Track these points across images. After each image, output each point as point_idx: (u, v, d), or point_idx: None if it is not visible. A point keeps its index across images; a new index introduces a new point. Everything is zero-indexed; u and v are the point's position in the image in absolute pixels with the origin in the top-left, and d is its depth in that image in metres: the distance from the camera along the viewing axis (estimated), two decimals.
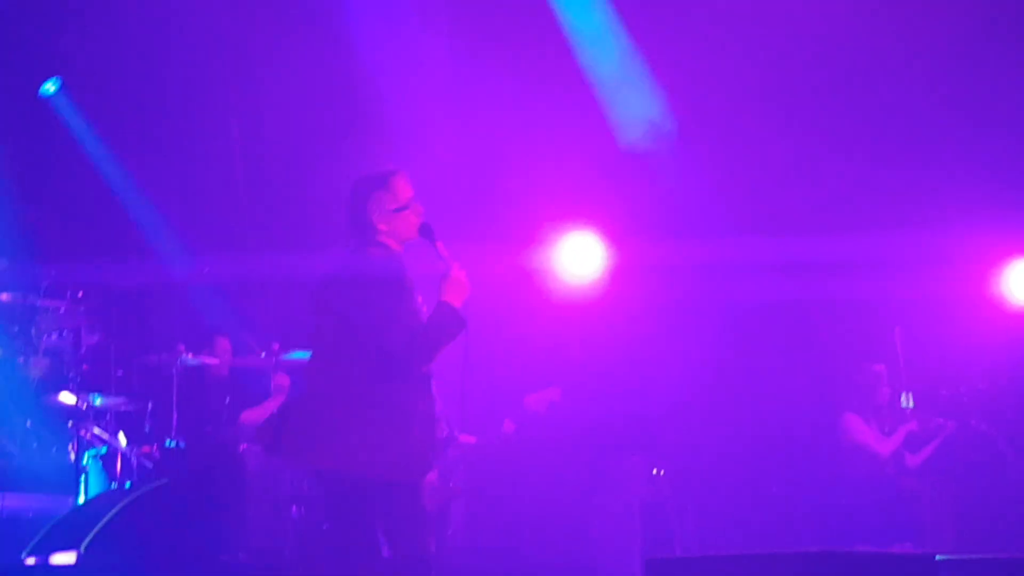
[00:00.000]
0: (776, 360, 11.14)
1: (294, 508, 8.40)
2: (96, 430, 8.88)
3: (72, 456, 8.75)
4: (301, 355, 8.84)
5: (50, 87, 10.94)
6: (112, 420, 9.14)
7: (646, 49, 10.78)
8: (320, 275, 6.05)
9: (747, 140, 10.79)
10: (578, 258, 10.93)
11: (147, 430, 9.12)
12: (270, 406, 8.84)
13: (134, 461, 8.75)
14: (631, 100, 10.84)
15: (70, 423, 8.83)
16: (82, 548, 7.43)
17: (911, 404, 10.06)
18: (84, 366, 9.10)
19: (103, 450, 8.93)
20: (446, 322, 5.86)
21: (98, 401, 9.04)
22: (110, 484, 8.81)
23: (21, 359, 9.23)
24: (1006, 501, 10.48)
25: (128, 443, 8.90)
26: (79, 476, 8.71)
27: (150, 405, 9.16)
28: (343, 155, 9.68)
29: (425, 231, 6.08)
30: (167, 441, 8.81)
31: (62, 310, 9.21)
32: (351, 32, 10.82)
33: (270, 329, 9.78)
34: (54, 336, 9.25)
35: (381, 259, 5.95)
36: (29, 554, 7.62)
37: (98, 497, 8.45)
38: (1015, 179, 10.77)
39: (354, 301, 5.85)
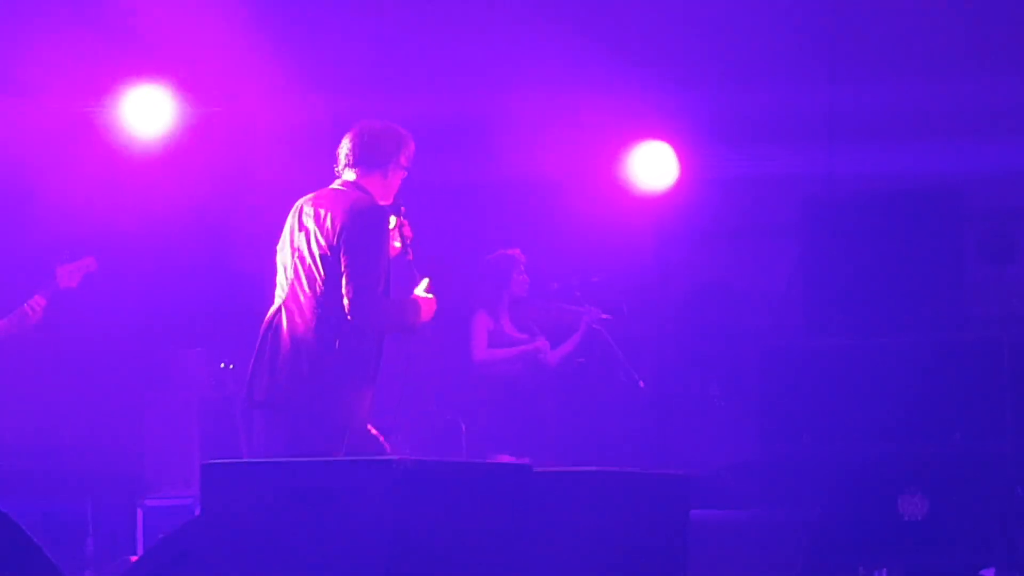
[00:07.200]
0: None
1: None
2: None
3: None
4: None
5: None
6: None
7: None
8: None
9: None
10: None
11: None
12: None
13: None
14: None
15: None
16: None
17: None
18: None
19: None
20: (408, 313, 6.20)
21: None
22: None
23: None
24: (611, 412, 9.97)
25: None
26: None
27: None
28: None
29: (396, 205, 6.35)
30: None
31: None
32: None
33: None
34: None
35: (381, 207, 6.23)
36: None
37: None
38: (641, 58, 10.13)
39: (350, 239, 6.08)
